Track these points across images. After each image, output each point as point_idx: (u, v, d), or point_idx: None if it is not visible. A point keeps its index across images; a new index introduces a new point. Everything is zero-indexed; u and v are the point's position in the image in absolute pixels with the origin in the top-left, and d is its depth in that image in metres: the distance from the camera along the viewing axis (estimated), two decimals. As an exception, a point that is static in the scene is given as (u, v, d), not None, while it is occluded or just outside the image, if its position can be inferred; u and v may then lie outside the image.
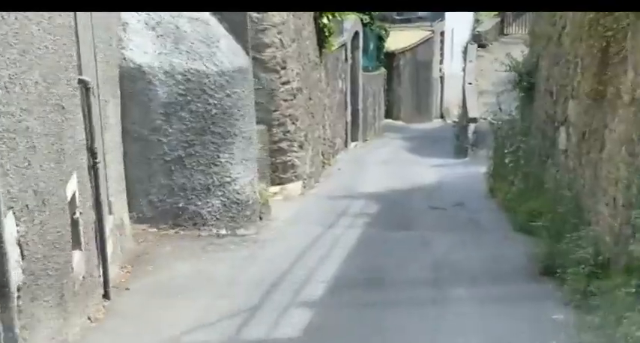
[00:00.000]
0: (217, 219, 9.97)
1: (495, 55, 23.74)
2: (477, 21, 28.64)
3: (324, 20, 17.74)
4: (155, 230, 9.69)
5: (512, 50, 20.45)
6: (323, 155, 17.64)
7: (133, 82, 9.42)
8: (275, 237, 10.19)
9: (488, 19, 25.89)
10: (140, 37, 9.53)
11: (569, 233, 8.33)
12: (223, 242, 9.70)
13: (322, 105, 18.14)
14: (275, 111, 14.52)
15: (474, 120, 20.65)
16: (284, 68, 14.55)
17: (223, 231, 10.00)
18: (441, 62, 37.52)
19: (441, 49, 37.36)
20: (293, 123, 14.79)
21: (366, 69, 27.11)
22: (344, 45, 22.57)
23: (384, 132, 29.41)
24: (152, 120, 9.55)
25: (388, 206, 13.06)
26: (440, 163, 19.67)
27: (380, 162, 19.93)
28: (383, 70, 29.69)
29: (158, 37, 9.62)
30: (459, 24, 39.28)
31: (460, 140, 22.09)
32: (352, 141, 24.46)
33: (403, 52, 32.73)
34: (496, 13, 27.17)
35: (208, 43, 9.82)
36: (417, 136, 28.79)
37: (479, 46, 23.17)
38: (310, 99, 15.99)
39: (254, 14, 14.11)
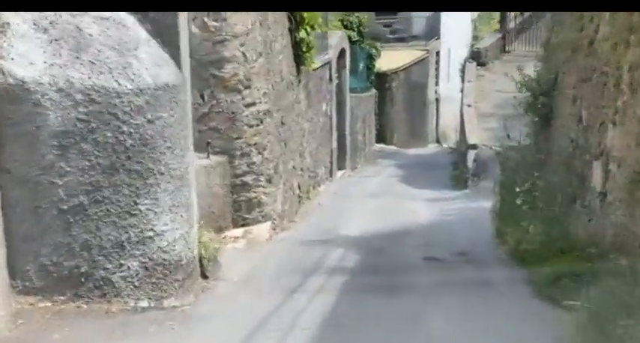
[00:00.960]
0: (135, 286, 7.27)
1: (496, 75, 21.13)
2: (475, 37, 26.10)
3: (302, 33, 15.12)
4: (48, 304, 6.99)
5: (515, 69, 18.04)
6: (300, 188, 14.96)
7: (14, 103, 6.75)
8: (216, 311, 7.49)
9: (488, 36, 23.30)
10: (25, 43, 6.86)
11: (624, 313, 5.65)
12: (142, 320, 7.00)
13: (300, 130, 15.50)
14: (237, 138, 11.88)
15: (474, 146, 18.03)
16: (248, 87, 11.91)
17: (144, 303, 7.31)
18: (437, 83, 34.99)
19: (437, 69, 34.85)
20: (259, 152, 12.12)
21: (354, 90, 24.50)
22: (328, 63, 19.97)
23: (376, 158, 26.77)
24: (41, 156, 6.86)
25: (373, 256, 10.37)
26: (437, 196, 17.01)
27: (368, 195, 17.26)
28: (374, 91, 27.10)
29: (51, 42, 6.95)
30: (455, 43, 36.80)
31: (459, 169, 19.44)
32: (339, 169, 21.81)
33: (396, 72, 30.22)
34: (497, 28, 24.60)
35: (122, 50, 7.16)
36: (411, 163, 26.17)
37: (478, 65, 20.62)
38: (283, 124, 13.34)
39: (211, 23, 11.52)
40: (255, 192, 12.11)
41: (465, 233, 12.01)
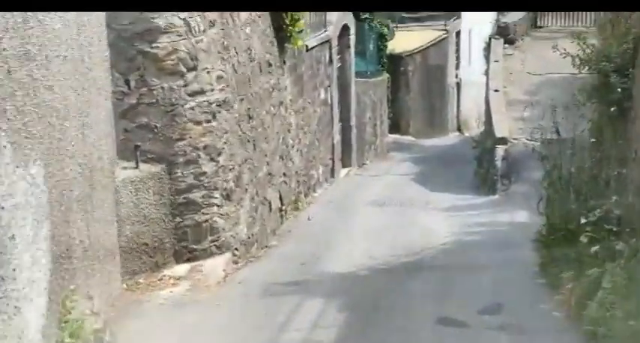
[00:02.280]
0: None
1: (527, 54, 17.50)
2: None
3: (286, 19, 11.61)
4: None
5: (550, 47, 14.40)
6: (282, 200, 11.43)
7: None
8: None
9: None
10: None
11: None
12: None
13: (283, 125, 11.95)
14: (179, 140, 8.40)
15: (504, 141, 14.43)
16: (193, 69, 8.42)
17: None
18: (457, 67, 31.25)
19: (457, 51, 31.11)
20: (212, 159, 8.61)
21: (363, 74, 20.89)
22: (327, 42, 16.38)
23: (389, 151, 23.14)
24: None
25: (363, 319, 6.84)
26: (458, 204, 13.45)
27: (372, 202, 13.70)
28: (386, 75, 23.44)
29: None
30: (477, 22, 32.98)
31: (484, 167, 15.80)
32: (343, 167, 18.24)
33: (412, 54, 26.53)
34: None
35: None
36: (428, 157, 22.51)
37: (505, 42, 16.96)
38: (250, 118, 9.79)
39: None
40: (206, 214, 8.62)
41: (496, 268, 8.43)
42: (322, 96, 16.04)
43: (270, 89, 11.04)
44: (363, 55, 21.46)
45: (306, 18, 14.90)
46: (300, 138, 13.32)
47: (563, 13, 18.70)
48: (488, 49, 17.33)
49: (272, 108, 11.02)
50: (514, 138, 14.39)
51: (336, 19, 16.96)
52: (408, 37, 27.40)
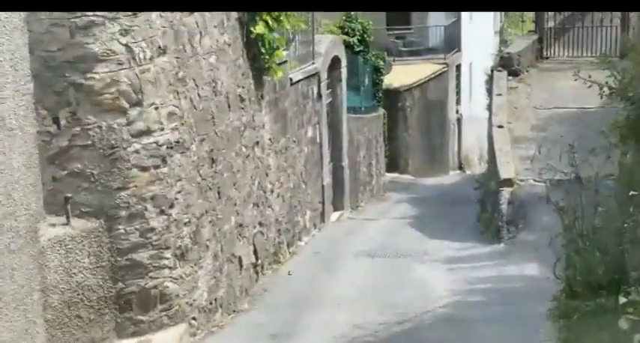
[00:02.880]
0: None
1: (533, 87, 16.09)
2: (503, 42, 20.97)
3: (259, 27, 10.14)
4: None
5: (558, 79, 13.15)
6: (257, 255, 9.91)
7: None
8: None
9: (520, 38, 18.14)
10: None
11: None
12: None
13: (258, 168, 10.47)
14: (121, 189, 6.92)
15: (509, 182, 12.94)
16: (137, 104, 6.96)
17: None
18: (458, 102, 29.92)
19: (457, 85, 29.81)
20: (162, 211, 7.13)
21: (357, 110, 19.48)
22: (315, 74, 14.96)
23: (386, 191, 21.64)
24: None
25: None
26: (459, 254, 11.93)
27: (365, 252, 12.16)
28: (382, 111, 22.02)
29: None
30: (478, 56, 31.70)
31: (487, 210, 14.29)
32: (335, 210, 16.72)
33: (410, 88, 25.21)
34: (531, 29, 19.45)
35: None
36: (428, 197, 21.01)
37: (509, 74, 15.55)
38: (214, 161, 8.32)
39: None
40: (155, 278, 7.14)
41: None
42: (310, 134, 14.59)
43: (242, 127, 9.57)
44: (357, 90, 20.07)
45: (290, 49, 13.54)
46: (281, 181, 11.83)
47: (570, 44, 17.32)
48: (490, 81, 15.91)
49: (244, 149, 9.54)
50: (521, 180, 12.91)
51: (326, 50, 15.56)
52: (406, 71, 26.07)
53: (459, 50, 29.77)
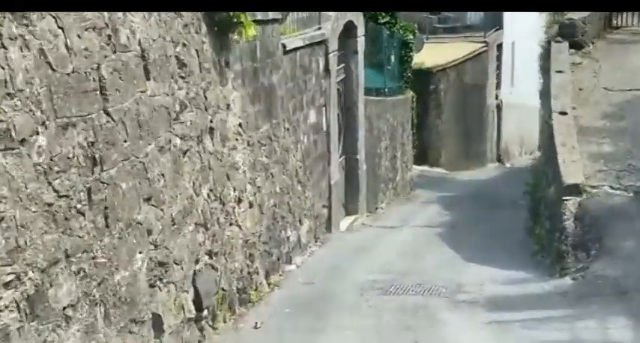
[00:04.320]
0: None
1: (602, 63, 12.33)
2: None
3: None
4: None
5: (633, 54, 9.44)
6: (201, 303, 6.30)
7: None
8: None
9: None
10: None
11: None
12: None
13: (221, 167, 6.88)
14: None
15: (576, 190, 9.21)
16: None
17: None
18: (498, 86, 26.07)
19: (498, 67, 25.94)
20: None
21: (379, 92, 15.80)
22: (321, 43, 11.34)
23: (413, 188, 18.00)
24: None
25: None
26: (508, 291, 8.28)
27: (375, 284, 8.54)
28: (410, 94, 18.32)
29: None
30: (522, 34, 27.81)
31: (543, 226, 10.58)
32: (347, 215, 13.17)
33: (444, 69, 21.47)
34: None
35: None
36: (463, 196, 17.39)
37: (571, 47, 11.81)
38: (96, 163, 4.71)
39: None
40: None
41: None
42: (312, 119, 11.00)
43: (178, 107, 5.99)
44: (380, 68, 16.38)
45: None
46: (258, 185, 8.25)
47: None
48: (546, 56, 12.20)
49: (178, 141, 5.96)
50: (592, 186, 9.19)
51: (336, 13, 11.90)
52: (440, 50, 22.39)
53: (501, 28, 25.89)
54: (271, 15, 8.93)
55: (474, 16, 25.69)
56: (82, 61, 4.49)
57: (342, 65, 12.80)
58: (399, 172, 16.61)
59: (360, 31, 13.12)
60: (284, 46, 9.59)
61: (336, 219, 12.15)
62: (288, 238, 9.47)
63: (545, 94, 11.78)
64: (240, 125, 7.70)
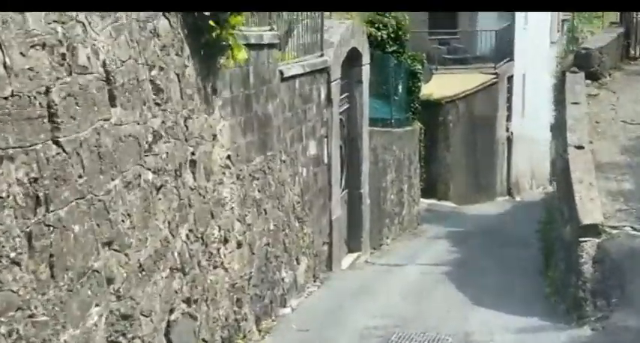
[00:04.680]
0: None
1: (619, 95, 11.61)
2: (573, 39, 16.36)
3: None
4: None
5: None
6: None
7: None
8: None
9: (601, 33, 13.54)
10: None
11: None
12: None
13: (200, 204, 6.17)
14: None
15: (594, 230, 8.45)
16: None
17: None
18: (509, 118, 25.37)
19: (509, 99, 25.25)
20: None
21: (385, 123, 15.12)
22: (323, 70, 10.67)
23: (420, 223, 17.24)
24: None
25: None
26: (518, 342, 7.48)
27: (376, 332, 7.77)
28: (418, 126, 17.64)
29: None
30: (533, 66, 27.23)
31: (558, 268, 9.81)
32: (350, 252, 12.42)
33: (454, 100, 20.80)
34: (614, 21, 14.85)
35: None
36: (473, 231, 16.65)
37: (587, 78, 11.09)
38: (39, 202, 3.98)
39: None
40: None
41: None
42: (312, 151, 10.30)
43: (151, 136, 5.28)
44: (387, 98, 15.71)
45: (282, 30, 9.34)
46: (248, 222, 7.53)
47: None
48: (561, 87, 11.48)
49: (150, 176, 5.24)
50: (612, 227, 8.44)
51: (340, 39, 11.24)
52: (449, 81, 21.72)
53: (512, 59, 25.25)
54: (267, 39, 8.27)
55: (484, 47, 25.05)
56: (26, 83, 3.79)
57: (346, 94, 12.13)
58: (405, 206, 15.87)
59: (365, 59, 12.46)
60: (282, 73, 8.92)
61: (338, 257, 11.40)
62: (282, 279, 8.72)
63: (559, 127, 11.06)
64: (228, 157, 7.00)
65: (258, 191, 7.93)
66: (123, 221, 4.78)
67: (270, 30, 8.66)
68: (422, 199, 18.80)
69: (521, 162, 26.79)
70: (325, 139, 10.88)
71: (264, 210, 8.10)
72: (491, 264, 12.50)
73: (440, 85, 20.18)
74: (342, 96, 11.85)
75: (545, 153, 30.99)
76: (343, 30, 11.43)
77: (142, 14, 5.23)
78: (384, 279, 11.05)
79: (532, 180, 28.57)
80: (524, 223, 18.26)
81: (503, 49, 24.73)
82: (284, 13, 10.06)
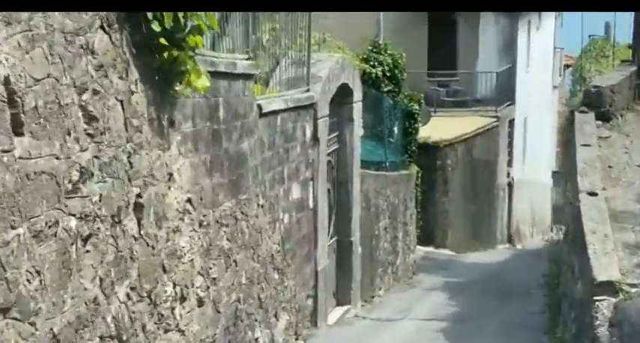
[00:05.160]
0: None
1: (633, 138, 10.63)
2: (580, 79, 15.36)
3: (154, 26, 4.95)
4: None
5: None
6: None
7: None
8: None
9: (611, 72, 12.61)
10: None
11: None
12: None
13: (146, 257, 5.12)
14: None
15: (610, 288, 7.34)
16: None
17: None
18: (509, 163, 24.38)
19: (510, 144, 24.30)
20: None
21: (379, 166, 14.11)
22: (309, 107, 9.68)
23: (416, 272, 16.14)
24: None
25: None
26: None
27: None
28: (415, 169, 16.63)
29: None
30: (534, 110, 26.37)
31: (564, 325, 8.71)
32: (339, 305, 11.32)
33: (452, 144, 19.85)
34: (625, 58, 13.91)
35: None
36: (472, 282, 15.58)
37: (598, 118, 10.11)
38: None
39: None
40: None
41: None
42: (295, 194, 9.28)
43: (76, 175, 4.24)
44: (381, 140, 14.73)
45: (266, 64, 8.41)
46: (213, 275, 6.46)
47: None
48: (569, 128, 10.51)
49: (73, 223, 4.19)
50: (631, 285, 7.38)
51: (328, 73, 10.27)
52: (448, 124, 20.79)
53: (513, 103, 24.37)
54: (241, 68, 7.29)
55: (484, 90, 24.18)
56: None
57: (335, 134, 11.15)
58: (399, 255, 14.78)
59: (357, 95, 11.49)
60: (260, 107, 7.94)
61: (324, 311, 10.30)
62: (256, 340, 7.62)
63: (568, 171, 10.05)
64: (188, 200, 5.96)
65: (228, 240, 6.88)
66: (29, 281, 3.73)
67: (247, 59, 7.70)
68: (418, 247, 17.74)
69: (522, 209, 25.77)
70: (311, 182, 9.86)
71: (235, 261, 7.05)
72: (492, 320, 11.41)
73: (438, 128, 19.23)
74: (331, 136, 10.86)
75: (545, 198, 30.05)
76: (332, 63, 10.48)
77: (70, 25, 4.24)
78: (375, 337, 9.95)
79: (532, 228, 27.52)
80: (525, 273, 17.17)
81: (505, 92, 23.87)
82: (269, 46, 9.16)
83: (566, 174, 10.32)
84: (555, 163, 29.62)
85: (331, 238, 11.01)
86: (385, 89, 15.55)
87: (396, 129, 15.76)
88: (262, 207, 8.07)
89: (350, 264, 11.49)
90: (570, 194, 9.45)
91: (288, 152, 9.05)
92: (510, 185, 24.36)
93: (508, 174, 24.12)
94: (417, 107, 16.60)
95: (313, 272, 9.97)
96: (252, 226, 7.69)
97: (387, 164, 14.35)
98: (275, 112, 8.50)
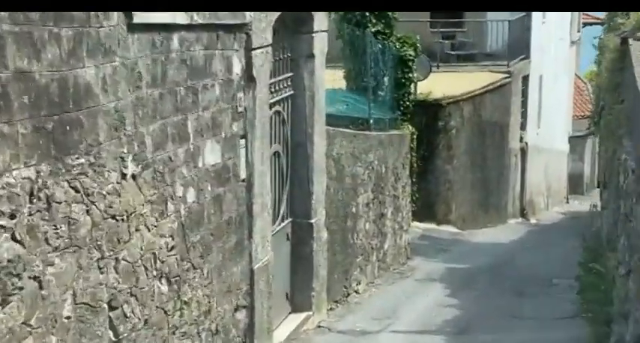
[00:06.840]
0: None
1: None
2: (609, 27, 11.88)
3: None
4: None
5: None
6: None
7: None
8: None
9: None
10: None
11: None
12: None
13: None
14: None
15: None
16: None
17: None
18: (523, 126, 20.95)
19: (523, 104, 20.84)
20: None
21: (358, 123, 10.74)
22: (239, 28, 6.29)
23: (410, 257, 12.80)
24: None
25: None
26: None
27: None
28: (409, 130, 13.24)
29: None
30: (551, 67, 22.89)
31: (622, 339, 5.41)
32: (295, 311, 8.04)
33: (457, 102, 16.43)
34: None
35: None
36: (479, 268, 12.39)
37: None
38: None
39: None
40: None
41: None
42: (211, 159, 5.96)
43: None
44: (362, 91, 11.35)
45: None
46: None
47: None
48: (621, 59, 7.20)
49: None
50: None
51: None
52: (453, 80, 17.42)
53: (527, 57, 20.88)
54: None
55: (495, 44, 20.68)
56: None
57: (288, 75, 7.79)
58: (388, 237, 11.47)
59: (319, 23, 8.08)
60: (129, 17, 4.62)
61: (265, 327, 7.03)
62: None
63: (627, 116, 6.73)
64: None
65: (15, 240, 3.59)
66: None
67: None
68: (416, 223, 14.49)
69: (537, 178, 22.39)
70: (242, 141, 6.54)
71: (80, 268, 3.76)
72: (504, 328, 8.17)
73: (442, 84, 15.84)
74: (280, 78, 7.53)
75: (562, 167, 26.73)
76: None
77: None
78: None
79: (547, 199, 24.17)
80: (544, 255, 13.92)
81: (518, 45, 20.41)
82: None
83: (608, 127, 6.98)
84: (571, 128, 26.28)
85: (281, 221, 7.72)
86: (373, 30, 12.15)
87: (386, 80, 12.39)
88: (133, 177, 4.79)
89: (310, 256, 8.18)
90: (634, 150, 6.08)
91: (197, 94, 5.74)
92: (524, 151, 20.96)
93: (521, 139, 20.68)
94: (413, 53, 13.18)
95: (247, 271, 6.70)
96: (105, 211, 4.41)
97: (371, 121, 10.97)
98: (165, 27, 5.19)
